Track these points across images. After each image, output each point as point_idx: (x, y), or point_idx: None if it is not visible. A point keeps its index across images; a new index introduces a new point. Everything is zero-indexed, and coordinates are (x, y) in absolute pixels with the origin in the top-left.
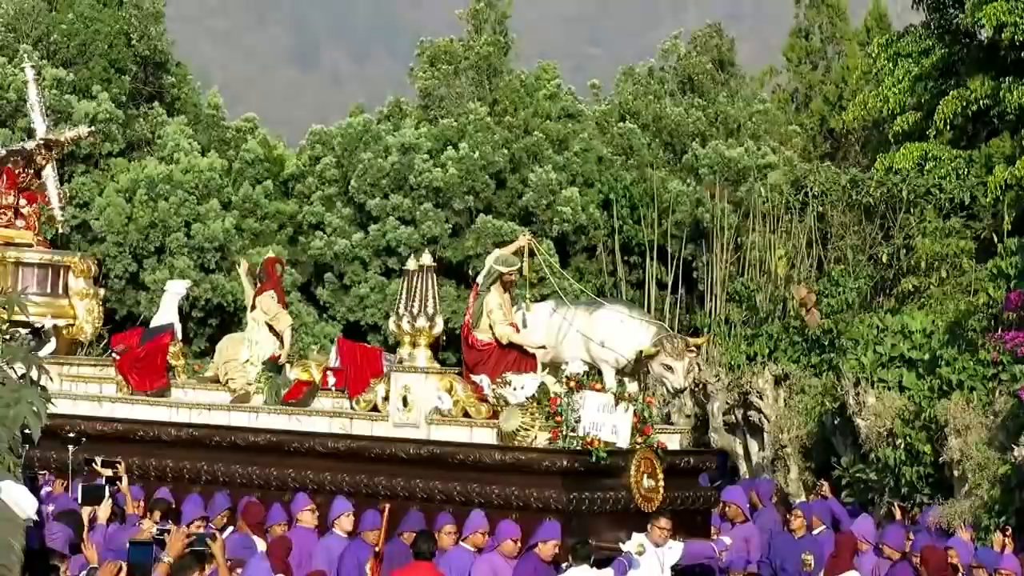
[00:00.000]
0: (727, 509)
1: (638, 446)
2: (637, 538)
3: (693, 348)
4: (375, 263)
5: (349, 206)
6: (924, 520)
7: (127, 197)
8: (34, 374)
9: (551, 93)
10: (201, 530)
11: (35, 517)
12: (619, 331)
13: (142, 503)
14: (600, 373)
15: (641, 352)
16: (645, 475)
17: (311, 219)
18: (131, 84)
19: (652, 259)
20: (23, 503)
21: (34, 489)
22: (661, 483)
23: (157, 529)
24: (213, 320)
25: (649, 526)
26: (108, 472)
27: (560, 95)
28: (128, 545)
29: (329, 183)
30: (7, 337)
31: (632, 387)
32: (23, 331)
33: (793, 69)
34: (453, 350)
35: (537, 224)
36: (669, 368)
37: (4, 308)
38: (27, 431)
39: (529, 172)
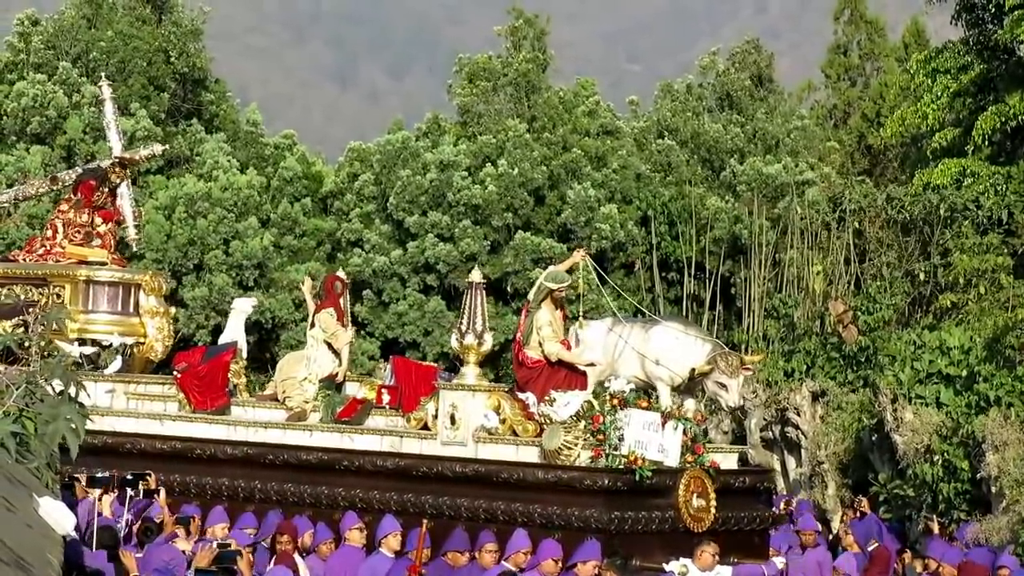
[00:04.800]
0: (801, 536)
1: (688, 465)
2: (682, 561)
3: (749, 366)
4: (413, 280)
5: (387, 223)
6: (962, 536)
7: (166, 214)
8: (72, 391)
9: (589, 110)
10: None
11: (73, 533)
12: (674, 348)
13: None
14: (654, 391)
15: (694, 370)
16: (695, 494)
17: (349, 236)
18: (170, 101)
19: (690, 275)
20: (61, 519)
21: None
22: (713, 503)
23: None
24: (251, 337)
25: (697, 552)
26: (152, 484)
27: (598, 112)
28: (193, 572)
29: (367, 200)
30: (46, 354)
31: (690, 405)
32: (65, 347)
33: (831, 85)
34: (490, 367)
35: (576, 241)
36: (723, 386)
37: (44, 326)
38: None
39: (568, 189)
